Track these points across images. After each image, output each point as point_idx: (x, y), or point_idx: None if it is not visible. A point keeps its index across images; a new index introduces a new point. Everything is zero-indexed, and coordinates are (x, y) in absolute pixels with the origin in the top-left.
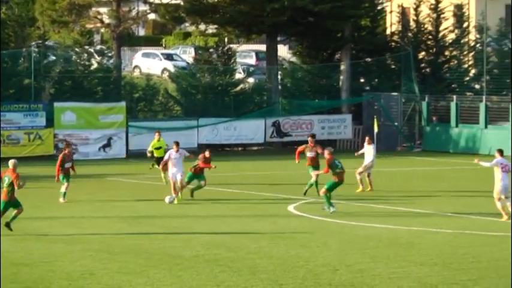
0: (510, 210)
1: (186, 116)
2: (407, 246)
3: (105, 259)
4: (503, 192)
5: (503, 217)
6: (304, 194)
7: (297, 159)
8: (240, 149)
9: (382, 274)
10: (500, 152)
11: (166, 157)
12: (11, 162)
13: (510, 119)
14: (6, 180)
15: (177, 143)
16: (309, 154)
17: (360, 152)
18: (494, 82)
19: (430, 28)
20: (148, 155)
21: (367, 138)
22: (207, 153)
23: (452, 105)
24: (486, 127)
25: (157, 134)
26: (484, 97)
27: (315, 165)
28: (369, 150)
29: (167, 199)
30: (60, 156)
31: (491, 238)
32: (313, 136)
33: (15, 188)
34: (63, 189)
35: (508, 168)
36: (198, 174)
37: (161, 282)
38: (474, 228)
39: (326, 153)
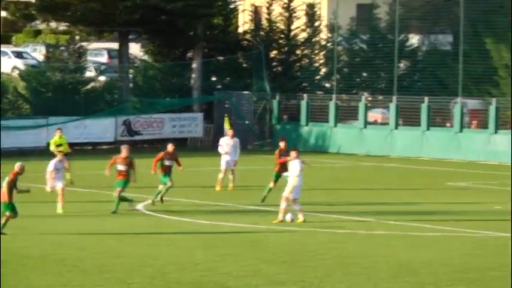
0: (301, 216)
1: (36, 114)
2: (256, 244)
3: None
4: (295, 194)
5: (279, 218)
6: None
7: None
8: (89, 147)
9: (231, 272)
10: (295, 151)
11: (51, 168)
12: (16, 165)
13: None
14: (6, 180)
15: (63, 152)
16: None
17: (226, 149)
18: (344, 81)
19: (282, 27)
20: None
21: (231, 132)
22: (170, 148)
23: (303, 103)
24: (336, 125)
25: (58, 131)
26: (334, 96)
27: (284, 171)
28: (234, 144)
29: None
30: None
31: (338, 235)
32: (284, 140)
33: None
34: None
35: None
36: (167, 173)
37: (6, 283)
38: (322, 226)
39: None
